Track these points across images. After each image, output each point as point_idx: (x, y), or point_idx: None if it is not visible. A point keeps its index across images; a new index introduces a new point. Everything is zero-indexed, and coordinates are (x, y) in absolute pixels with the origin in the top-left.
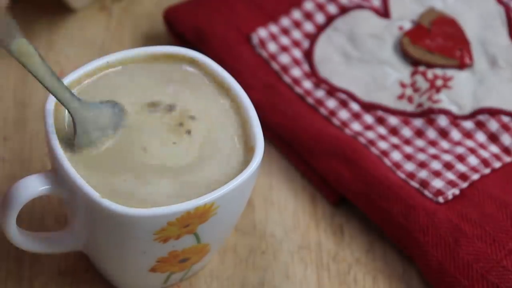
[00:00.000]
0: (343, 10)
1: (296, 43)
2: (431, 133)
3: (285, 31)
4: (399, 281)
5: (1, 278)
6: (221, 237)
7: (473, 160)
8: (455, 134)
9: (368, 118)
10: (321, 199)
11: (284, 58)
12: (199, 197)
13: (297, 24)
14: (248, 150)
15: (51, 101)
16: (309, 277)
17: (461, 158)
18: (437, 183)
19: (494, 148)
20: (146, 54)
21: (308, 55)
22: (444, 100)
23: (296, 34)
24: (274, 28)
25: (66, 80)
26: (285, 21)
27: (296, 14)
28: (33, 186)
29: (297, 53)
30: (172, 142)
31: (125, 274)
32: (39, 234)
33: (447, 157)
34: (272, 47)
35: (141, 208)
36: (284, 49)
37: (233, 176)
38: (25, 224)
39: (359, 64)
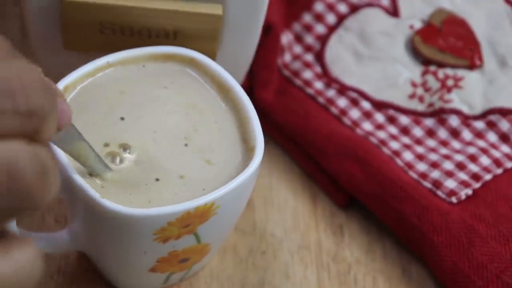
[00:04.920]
0: (354, 8)
1: (308, 48)
2: (443, 133)
3: (298, 39)
4: (399, 281)
5: None
6: (221, 237)
7: (485, 160)
8: (467, 134)
9: (379, 117)
10: (321, 199)
11: (296, 65)
12: (199, 197)
13: (308, 28)
14: (249, 150)
15: None
16: (309, 277)
17: (473, 158)
18: (450, 184)
19: (506, 148)
20: (146, 54)
21: (320, 56)
22: (455, 100)
23: (308, 39)
24: (289, 36)
25: (67, 79)
26: (297, 27)
27: (307, 18)
28: None
29: (309, 57)
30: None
31: (125, 274)
32: (39, 234)
33: (459, 157)
34: (286, 57)
35: (141, 208)
36: (296, 57)
37: (233, 176)
38: (25, 224)
39: (370, 62)
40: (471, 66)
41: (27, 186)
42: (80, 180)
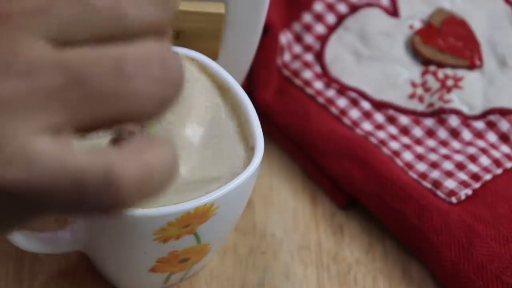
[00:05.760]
0: (354, 8)
1: (308, 48)
2: (442, 133)
3: (298, 38)
4: (399, 282)
5: (2, 278)
6: (221, 237)
7: (485, 160)
8: (466, 134)
9: (379, 117)
10: (321, 199)
11: (296, 65)
12: (199, 197)
13: (308, 28)
14: (249, 150)
15: None
16: (309, 277)
17: (473, 158)
18: (450, 184)
19: (506, 148)
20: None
21: (319, 56)
22: (455, 100)
23: (308, 39)
24: (289, 35)
25: None
26: (296, 27)
27: (307, 17)
28: None
29: (309, 57)
30: None
31: (125, 274)
32: (39, 234)
33: (459, 157)
34: (286, 57)
35: (141, 208)
36: (296, 57)
37: (233, 176)
38: (25, 224)
39: (370, 62)
40: (471, 66)
41: (177, 77)
42: None
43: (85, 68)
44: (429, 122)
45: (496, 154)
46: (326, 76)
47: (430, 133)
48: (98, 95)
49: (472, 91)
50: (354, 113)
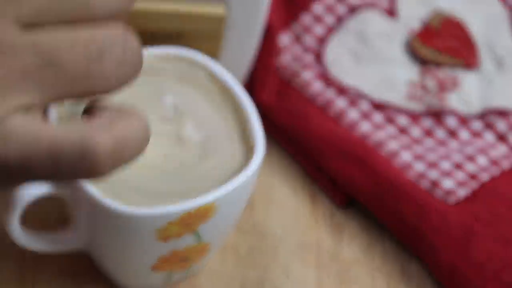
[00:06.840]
0: (353, 10)
1: (307, 49)
2: (440, 133)
3: (298, 39)
4: (398, 281)
5: (3, 278)
6: (221, 236)
7: (482, 160)
8: (464, 134)
9: (378, 117)
10: (321, 198)
11: (295, 66)
12: (199, 197)
13: (307, 29)
14: (249, 150)
15: None
16: (309, 276)
17: (471, 158)
18: (448, 184)
19: (503, 148)
20: (147, 54)
21: (319, 57)
22: (453, 101)
23: (308, 40)
24: (288, 36)
25: None
26: (296, 28)
27: (306, 19)
28: (37, 187)
29: (308, 58)
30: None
31: (126, 273)
32: (42, 234)
33: (457, 157)
34: (286, 58)
35: (142, 208)
36: (295, 58)
37: (234, 176)
38: (28, 223)
39: (369, 63)
40: (469, 67)
41: (137, 58)
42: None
43: (57, 50)
44: (427, 122)
45: (494, 154)
46: (325, 77)
47: (428, 133)
48: (69, 75)
49: (470, 92)
50: (353, 114)
